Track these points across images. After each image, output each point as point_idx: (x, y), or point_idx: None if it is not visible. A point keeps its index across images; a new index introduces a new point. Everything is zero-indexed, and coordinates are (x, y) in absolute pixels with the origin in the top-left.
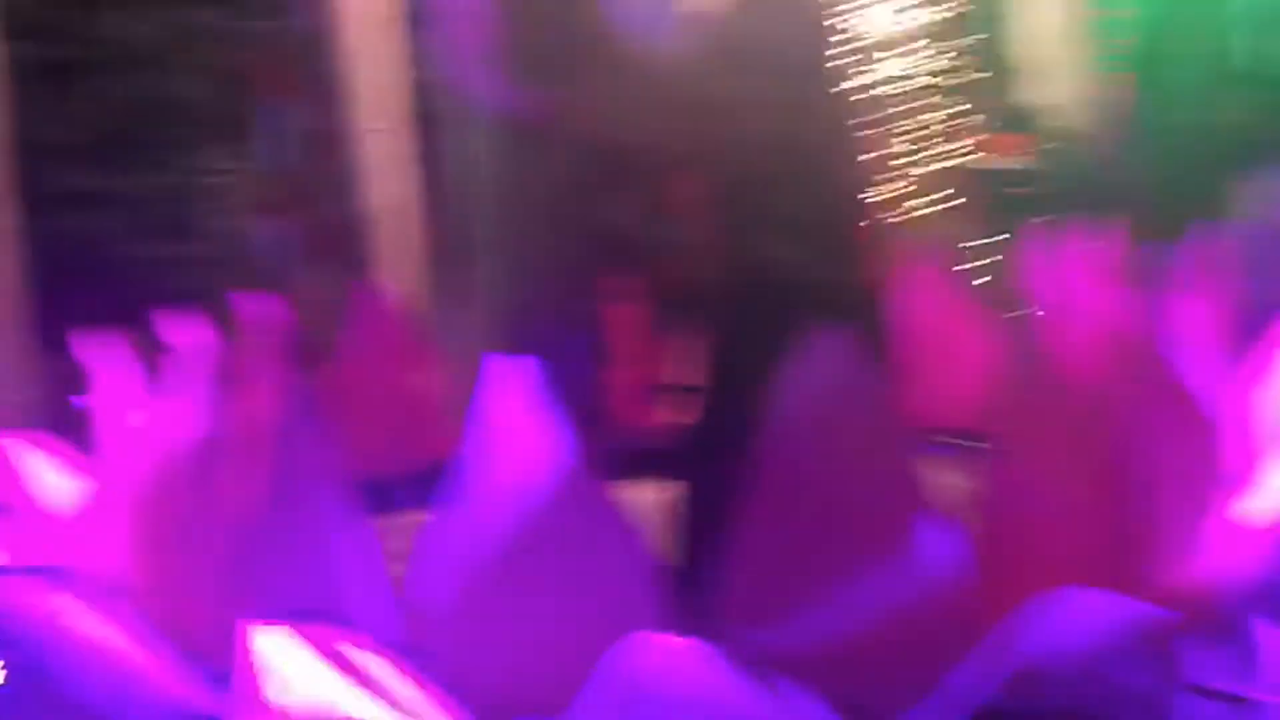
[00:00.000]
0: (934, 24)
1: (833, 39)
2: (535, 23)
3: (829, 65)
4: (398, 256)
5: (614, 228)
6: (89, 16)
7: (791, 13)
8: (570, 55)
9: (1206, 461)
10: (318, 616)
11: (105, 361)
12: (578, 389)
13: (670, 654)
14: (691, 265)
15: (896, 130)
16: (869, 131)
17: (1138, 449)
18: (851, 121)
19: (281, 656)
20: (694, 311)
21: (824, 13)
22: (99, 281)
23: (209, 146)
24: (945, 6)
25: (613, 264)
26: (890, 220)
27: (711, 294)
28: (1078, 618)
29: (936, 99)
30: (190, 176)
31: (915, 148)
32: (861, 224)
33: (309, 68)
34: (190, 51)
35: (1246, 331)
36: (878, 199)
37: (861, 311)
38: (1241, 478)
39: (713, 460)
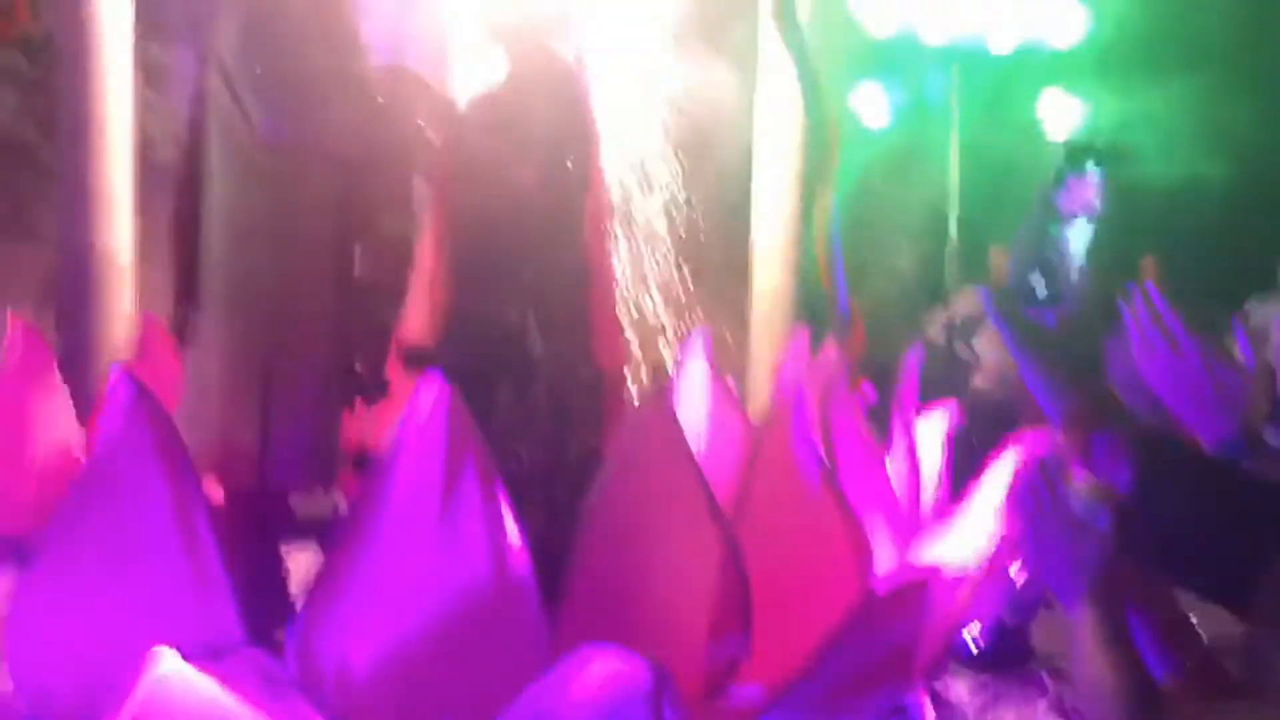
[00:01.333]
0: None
1: (590, 125)
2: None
3: (585, 150)
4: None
5: (357, 275)
6: None
7: (557, 95)
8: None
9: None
10: None
11: None
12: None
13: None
14: (427, 319)
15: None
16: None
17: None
18: (598, 207)
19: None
20: (422, 364)
21: (587, 100)
22: None
23: None
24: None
25: (354, 311)
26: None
27: (440, 349)
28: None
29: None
30: None
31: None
32: (597, 305)
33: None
34: None
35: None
36: (617, 286)
37: (587, 393)
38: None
39: None
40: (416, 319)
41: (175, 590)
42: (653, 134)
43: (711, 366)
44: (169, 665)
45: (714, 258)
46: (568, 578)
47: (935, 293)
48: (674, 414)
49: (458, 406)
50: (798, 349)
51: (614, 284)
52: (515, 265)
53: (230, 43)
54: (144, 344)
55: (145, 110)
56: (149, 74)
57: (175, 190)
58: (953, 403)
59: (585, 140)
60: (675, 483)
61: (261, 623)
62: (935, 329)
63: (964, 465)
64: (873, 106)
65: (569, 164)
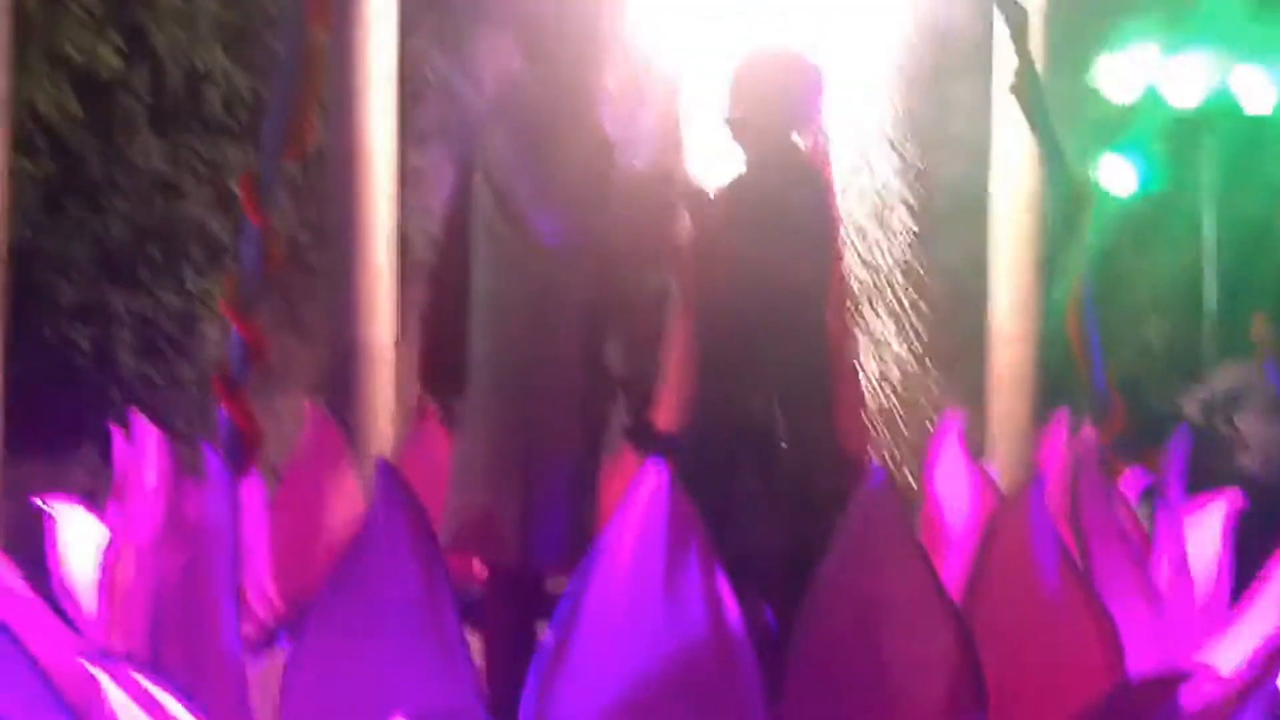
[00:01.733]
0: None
1: (832, 213)
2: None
3: (827, 238)
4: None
5: (606, 358)
6: (109, 139)
7: (797, 184)
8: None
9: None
10: None
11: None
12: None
13: None
14: (672, 405)
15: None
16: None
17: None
18: (839, 292)
19: None
20: (667, 449)
21: (827, 188)
22: (80, 391)
23: (208, 270)
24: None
25: (602, 394)
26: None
27: (685, 435)
28: None
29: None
30: (186, 297)
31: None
32: (841, 391)
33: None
34: (201, 179)
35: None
36: (861, 370)
37: (832, 472)
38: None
39: None
40: (665, 407)
41: (420, 663)
42: (886, 211)
43: (966, 452)
44: None
45: (949, 336)
46: (793, 662)
47: (1191, 367)
48: (898, 499)
49: (679, 490)
50: (1056, 431)
51: (856, 367)
52: (759, 353)
53: (494, 147)
54: (414, 431)
55: (404, 211)
56: (406, 177)
57: (434, 284)
58: (1235, 492)
59: (826, 227)
60: (903, 568)
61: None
62: (1194, 406)
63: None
64: (1118, 174)
65: (811, 252)
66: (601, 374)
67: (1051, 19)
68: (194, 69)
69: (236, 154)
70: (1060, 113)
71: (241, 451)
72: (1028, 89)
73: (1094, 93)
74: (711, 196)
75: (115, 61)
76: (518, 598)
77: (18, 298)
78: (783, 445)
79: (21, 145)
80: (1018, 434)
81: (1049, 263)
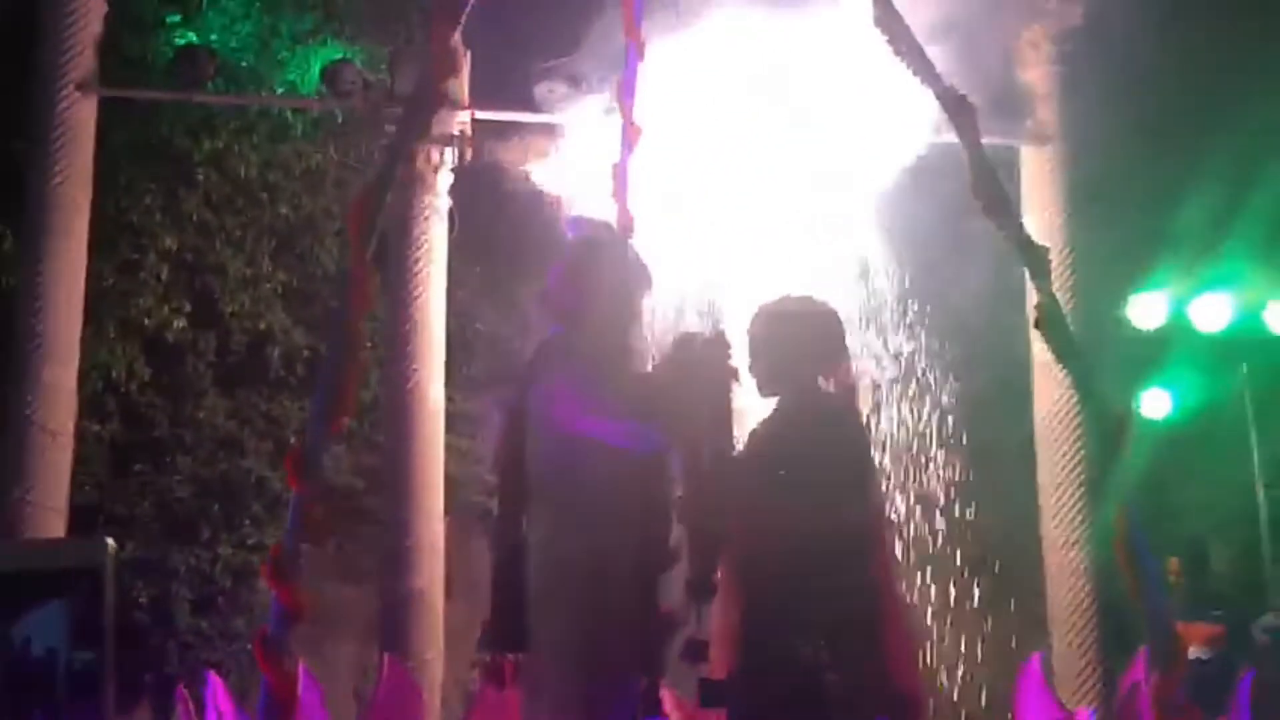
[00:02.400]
0: None
1: (868, 459)
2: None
3: (861, 479)
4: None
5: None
6: (176, 400)
7: (827, 428)
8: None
9: None
10: None
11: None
12: None
13: None
14: (723, 651)
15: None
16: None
17: None
18: (881, 534)
19: None
20: (719, 699)
21: (861, 431)
22: (137, 646)
23: (266, 524)
24: None
25: (660, 628)
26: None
27: (737, 681)
28: None
29: None
30: (244, 550)
31: None
32: (890, 632)
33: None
34: (262, 435)
35: None
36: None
37: (886, 712)
38: None
39: None
40: (717, 654)
41: None
42: (931, 447)
43: (1050, 692)
44: None
45: (1003, 574)
46: None
47: (1253, 592)
48: None
49: None
50: (1136, 671)
51: (904, 607)
52: (805, 600)
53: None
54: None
55: (453, 457)
56: (453, 422)
57: (497, 544)
58: None
59: (860, 468)
60: None
61: None
62: (1260, 634)
63: None
64: (1154, 400)
65: (847, 494)
66: (657, 610)
67: (1078, 261)
68: (256, 329)
69: (294, 408)
70: (1092, 343)
71: (278, 713)
72: (1053, 322)
73: (1124, 322)
74: (747, 445)
75: (182, 325)
76: None
77: None
78: (833, 688)
79: (91, 409)
80: (1079, 666)
81: (1095, 491)
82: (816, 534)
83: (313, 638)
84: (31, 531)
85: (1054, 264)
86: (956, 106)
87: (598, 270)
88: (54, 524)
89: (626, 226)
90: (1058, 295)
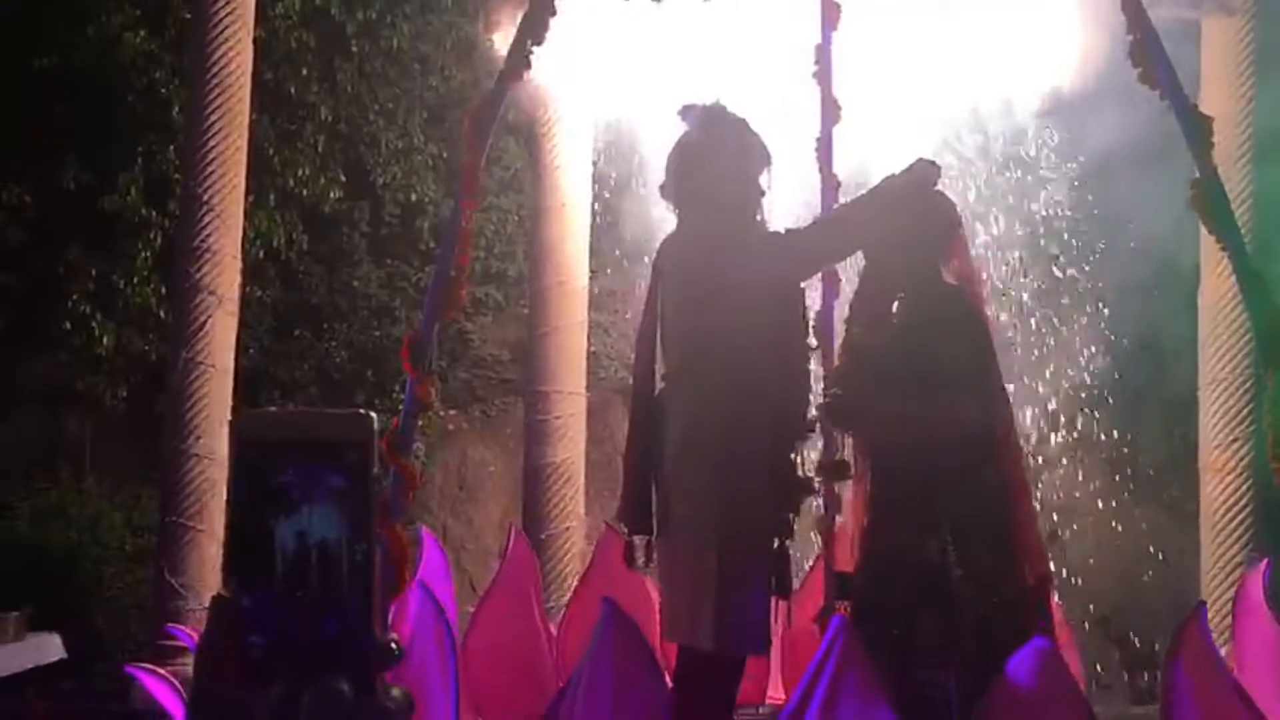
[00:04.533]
0: None
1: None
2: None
3: (987, 378)
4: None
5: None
6: (332, 268)
7: (950, 315)
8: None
9: None
10: None
11: None
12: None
13: None
14: (852, 546)
15: None
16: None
17: None
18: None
19: None
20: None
21: (983, 322)
22: None
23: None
24: None
25: (787, 497)
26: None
27: (864, 576)
28: None
29: None
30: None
31: None
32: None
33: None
34: (412, 303)
35: None
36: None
37: (1011, 612)
38: None
39: None
40: (846, 549)
41: None
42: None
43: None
44: None
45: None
46: None
47: None
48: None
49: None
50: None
51: (1030, 499)
52: (932, 495)
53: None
54: (601, 557)
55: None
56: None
57: (633, 431)
58: None
59: (986, 365)
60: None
61: None
62: None
63: None
64: None
65: (974, 390)
66: (787, 479)
67: (1259, 139)
68: (408, 201)
69: None
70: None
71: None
72: (1213, 203)
73: None
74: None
75: (338, 195)
76: (713, 680)
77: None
78: (958, 585)
79: (254, 276)
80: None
81: (1258, 384)
82: (941, 429)
83: (458, 500)
84: (201, 391)
85: (1234, 141)
86: None
87: (715, 153)
88: (221, 384)
89: (832, 109)
90: (1231, 173)
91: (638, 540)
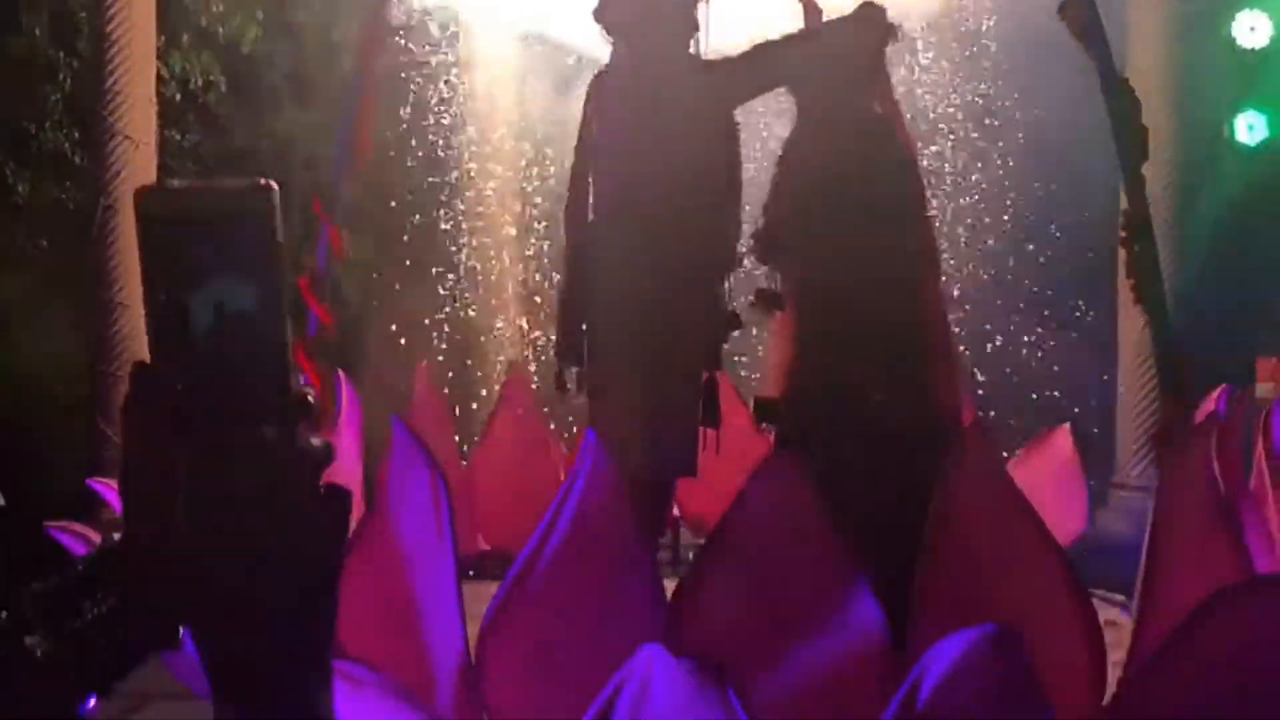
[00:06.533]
0: None
1: (916, 176)
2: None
3: (917, 210)
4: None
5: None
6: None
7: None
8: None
9: None
10: None
11: None
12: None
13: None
14: (776, 373)
15: None
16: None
17: None
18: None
19: None
20: (770, 416)
21: (910, 153)
22: None
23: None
24: None
25: (715, 327)
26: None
27: (788, 401)
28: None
29: None
30: None
31: None
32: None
33: None
34: None
35: None
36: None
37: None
38: None
39: None
40: (771, 375)
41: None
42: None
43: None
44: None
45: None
46: (914, 616)
47: None
48: (995, 449)
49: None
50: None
51: (950, 334)
52: (857, 323)
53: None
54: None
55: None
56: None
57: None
58: None
59: (915, 193)
60: (1009, 519)
61: None
62: None
63: None
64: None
65: (902, 220)
66: (714, 311)
67: None
68: (329, 40)
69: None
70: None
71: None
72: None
73: (1230, 43)
74: (792, 162)
75: (256, 34)
76: (647, 503)
77: None
78: (879, 408)
79: (172, 118)
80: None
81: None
82: (869, 261)
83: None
84: (123, 239)
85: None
86: None
87: None
88: None
89: None
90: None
91: (569, 373)
